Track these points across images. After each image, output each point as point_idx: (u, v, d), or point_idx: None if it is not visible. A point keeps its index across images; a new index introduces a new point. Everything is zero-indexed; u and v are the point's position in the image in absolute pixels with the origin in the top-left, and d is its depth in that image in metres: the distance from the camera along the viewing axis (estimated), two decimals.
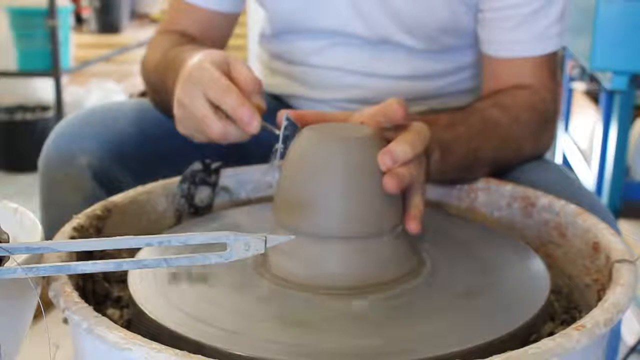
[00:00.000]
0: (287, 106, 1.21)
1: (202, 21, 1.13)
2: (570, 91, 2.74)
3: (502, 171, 0.98)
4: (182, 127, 0.89)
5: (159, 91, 1.04)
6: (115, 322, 0.61)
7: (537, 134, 1.03)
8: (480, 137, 0.93)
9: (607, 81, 1.69)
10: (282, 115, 0.80)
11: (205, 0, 1.12)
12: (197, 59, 0.86)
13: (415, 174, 0.73)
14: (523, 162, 1.01)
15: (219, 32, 1.16)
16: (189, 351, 0.55)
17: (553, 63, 1.06)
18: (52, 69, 2.88)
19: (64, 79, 3.08)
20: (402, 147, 0.71)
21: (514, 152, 1.00)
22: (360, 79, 1.14)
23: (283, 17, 1.14)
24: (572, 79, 2.68)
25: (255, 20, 3.90)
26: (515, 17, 1.02)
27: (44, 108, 3.26)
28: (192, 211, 0.91)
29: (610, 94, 1.98)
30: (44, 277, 0.64)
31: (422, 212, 0.75)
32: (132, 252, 0.77)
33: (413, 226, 0.74)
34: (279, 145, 0.80)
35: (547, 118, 1.04)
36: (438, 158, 0.85)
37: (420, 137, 0.74)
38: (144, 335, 0.57)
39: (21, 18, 2.95)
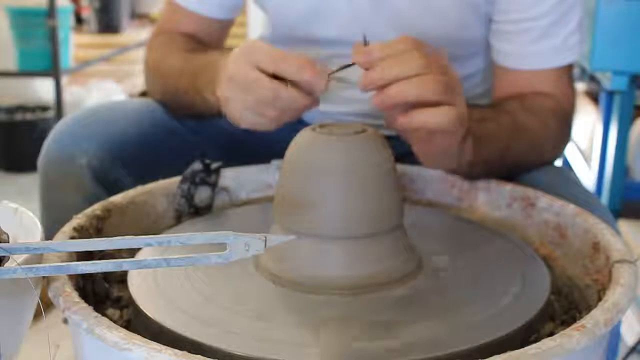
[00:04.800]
0: None
1: (199, 25, 1.14)
2: None
3: (514, 174, 0.98)
4: (233, 108, 0.85)
5: (175, 93, 1.03)
6: (115, 322, 0.61)
7: (558, 142, 1.04)
8: (510, 138, 0.93)
9: (607, 81, 1.69)
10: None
11: (202, 7, 1.13)
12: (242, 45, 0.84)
13: (404, 90, 0.72)
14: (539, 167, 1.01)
15: (216, 36, 1.17)
16: (189, 351, 0.55)
17: (572, 71, 1.06)
18: (52, 69, 2.88)
19: (64, 79, 3.08)
20: (378, 45, 0.73)
21: (537, 157, 1.00)
22: (363, 93, 1.13)
23: (286, 26, 1.13)
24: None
25: (255, 20, 3.90)
26: (535, 29, 1.00)
27: (44, 108, 3.25)
28: (192, 211, 0.91)
29: (610, 94, 1.98)
30: (44, 277, 0.64)
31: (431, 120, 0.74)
32: (132, 252, 0.77)
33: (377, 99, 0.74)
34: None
35: (566, 127, 1.05)
36: (470, 148, 0.85)
37: (400, 42, 0.74)
38: (144, 335, 0.57)
39: (21, 18, 2.95)
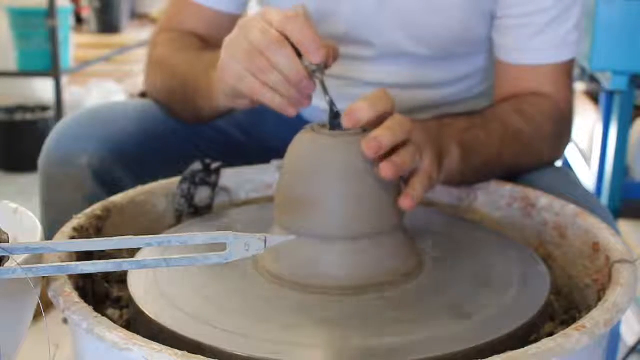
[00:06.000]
0: None
1: (207, 20, 1.12)
2: None
3: (513, 176, 0.98)
4: (224, 57, 0.86)
5: (182, 89, 1.03)
6: (115, 322, 0.61)
7: (555, 145, 1.04)
8: (502, 143, 0.93)
9: (607, 81, 1.69)
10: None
11: (210, 0, 1.12)
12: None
13: (409, 161, 0.74)
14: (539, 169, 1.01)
15: (222, 32, 1.15)
16: (189, 351, 0.55)
17: (571, 70, 1.06)
18: (52, 69, 2.88)
19: (64, 79, 3.08)
20: (384, 133, 0.72)
21: (533, 160, 1.01)
22: (365, 89, 1.12)
23: None
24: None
25: None
26: (536, 24, 1.01)
27: (44, 108, 3.26)
28: (192, 211, 0.91)
29: (610, 94, 1.98)
30: (44, 277, 0.64)
31: (420, 196, 0.75)
32: (132, 252, 0.77)
33: (405, 202, 0.74)
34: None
35: (564, 129, 1.05)
36: (458, 157, 0.85)
37: (401, 124, 0.74)
38: (144, 336, 0.57)
39: (21, 18, 2.95)
